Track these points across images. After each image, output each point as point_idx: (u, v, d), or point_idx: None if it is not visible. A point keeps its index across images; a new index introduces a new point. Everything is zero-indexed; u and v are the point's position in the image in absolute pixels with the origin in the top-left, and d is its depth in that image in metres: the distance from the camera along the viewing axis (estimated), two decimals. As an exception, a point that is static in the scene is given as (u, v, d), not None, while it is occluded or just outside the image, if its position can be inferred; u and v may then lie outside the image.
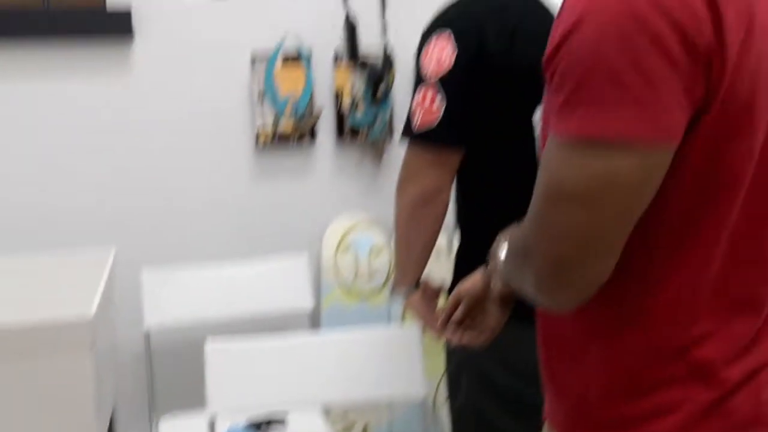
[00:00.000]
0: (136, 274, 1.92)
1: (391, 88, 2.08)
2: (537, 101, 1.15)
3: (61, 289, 1.41)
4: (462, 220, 1.44)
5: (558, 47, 0.70)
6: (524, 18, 1.33)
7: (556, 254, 0.71)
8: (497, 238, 0.98)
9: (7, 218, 1.93)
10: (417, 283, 1.37)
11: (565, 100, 0.69)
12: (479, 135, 1.31)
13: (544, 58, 0.73)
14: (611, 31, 0.66)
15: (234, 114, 2.05)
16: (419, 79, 1.32)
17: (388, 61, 2.06)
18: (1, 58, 1.89)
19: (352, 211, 2.16)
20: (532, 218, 0.75)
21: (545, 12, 1.38)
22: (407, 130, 1.33)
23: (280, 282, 2.02)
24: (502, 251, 0.93)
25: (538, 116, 1.16)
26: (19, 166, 1.94)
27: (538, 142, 0.92)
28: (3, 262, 1.60)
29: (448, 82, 1.28)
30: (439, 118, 1.28)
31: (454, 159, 1.32)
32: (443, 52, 1.29)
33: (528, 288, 0.78)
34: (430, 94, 1.29)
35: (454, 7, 1.34)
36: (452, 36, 1.28)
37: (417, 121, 1.30)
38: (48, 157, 1.96)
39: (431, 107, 1.29)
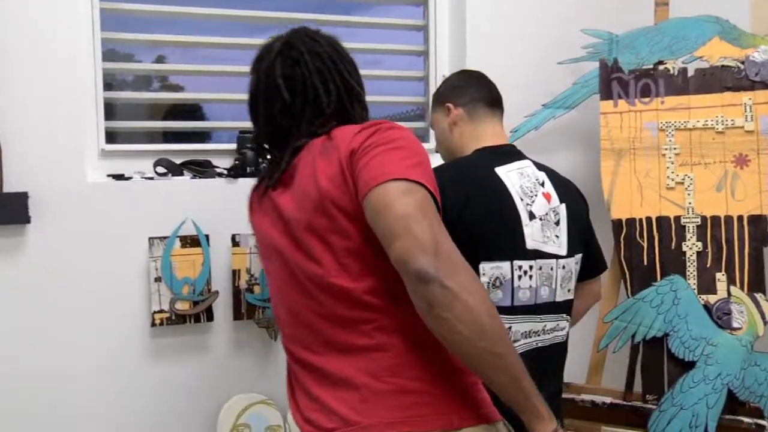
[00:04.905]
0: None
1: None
2: (481, 255, 1.59)
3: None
4: None
5: None
6: (477, 185, 1.65)
7: None
8: None
9: None
10: None
11: None
12: None
13: None
14: None
15: (130, 295, 2.05)
16: None
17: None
18: None
19: (247, 391, 2.14)
20: None
21: (498, 180, 1.68)
22: None
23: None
24: None
25: (487, 266, 1.60)
26: None
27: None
28: None
29: None
30: None
31: None
32: None
33: None
34: None
35: None
36: None
37: None
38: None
39: None
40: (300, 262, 1.31)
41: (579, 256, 1.80)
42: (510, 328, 1.63)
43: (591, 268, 1.89)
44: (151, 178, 2.12)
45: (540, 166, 1.80)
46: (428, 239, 1.13)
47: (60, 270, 1.98)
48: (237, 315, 2.14)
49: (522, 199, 1.68)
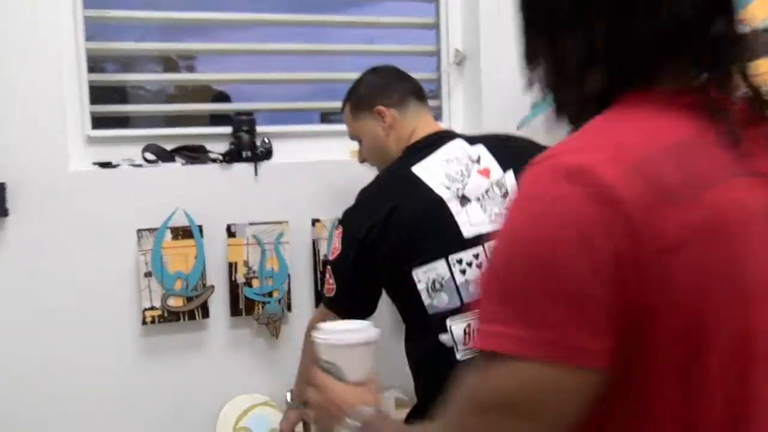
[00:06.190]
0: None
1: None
2: (412, 263, 1.52)
3: None
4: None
5: None
6: (395, 196, 1.57)
7: None
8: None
9: None
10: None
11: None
12: (370, 294, 1.63)
13: None
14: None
15: (118, 292, 1.91)
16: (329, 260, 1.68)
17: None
18: None
19: (248, 392, 2.00)
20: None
21: (414, 180, 1.58)
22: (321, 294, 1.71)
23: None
24: None
25: (419, 271, 1.51)
26: None
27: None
28: None
29: (336, 267, 1.63)
30: (334, 291, 1.63)
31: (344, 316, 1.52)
32: (336, 244, 1.62)
33: None
34: (329, 274, 1.65)
35: (351, 208, 1.63)
36: (341, 233, 1.61)
37: (324, 290, 1.67)
38: None
39: (329, 283, 1.64)
40: None
41: None
42: (464, 331, 1.50)
43: None
44: (140, 166, 1.97)
45: (475, 140, 1.67)
46: None
47: (41, 266, 1.85)
48: (235, 311, 1.99)
49: (449, 188, 1.57)
